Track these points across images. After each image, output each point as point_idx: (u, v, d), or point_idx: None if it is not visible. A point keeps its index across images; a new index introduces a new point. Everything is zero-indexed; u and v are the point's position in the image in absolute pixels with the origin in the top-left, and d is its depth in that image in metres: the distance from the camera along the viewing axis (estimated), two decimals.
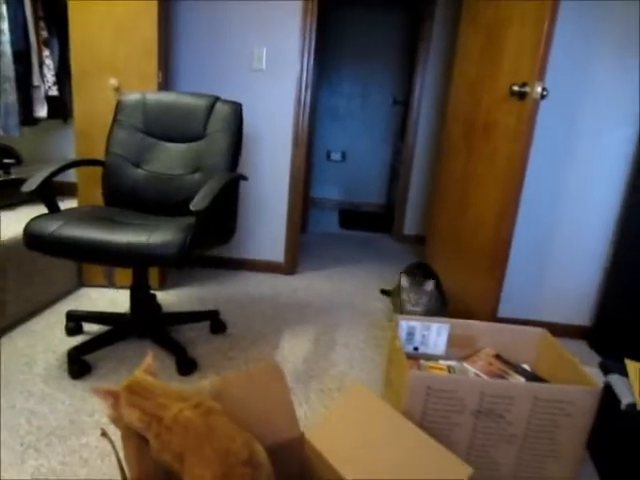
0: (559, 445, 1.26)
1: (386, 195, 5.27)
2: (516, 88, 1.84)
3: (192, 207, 1.56)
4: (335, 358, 1.95)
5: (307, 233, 4.01)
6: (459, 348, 1.61)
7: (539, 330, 1.57)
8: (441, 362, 1.53)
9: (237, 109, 2.03)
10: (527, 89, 1.79)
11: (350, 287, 2.82)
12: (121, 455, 0.99)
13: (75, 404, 1.51)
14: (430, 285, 2.01)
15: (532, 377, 1.45)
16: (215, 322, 2.08)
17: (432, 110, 3.73)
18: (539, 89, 1.74)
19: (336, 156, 5.40)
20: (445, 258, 2.60)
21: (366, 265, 3.27)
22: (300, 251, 3.21)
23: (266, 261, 2.94)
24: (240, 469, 0.88)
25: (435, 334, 1.59)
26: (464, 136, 2.41)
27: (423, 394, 1.24)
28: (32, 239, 1.56)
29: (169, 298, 2.40)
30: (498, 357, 1.53)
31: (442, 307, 2.11)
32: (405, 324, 1.59)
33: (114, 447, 0.92)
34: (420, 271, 2.20)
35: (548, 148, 2.16)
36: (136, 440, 0.99)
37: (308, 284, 2.82)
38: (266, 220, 2.89)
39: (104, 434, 0.91)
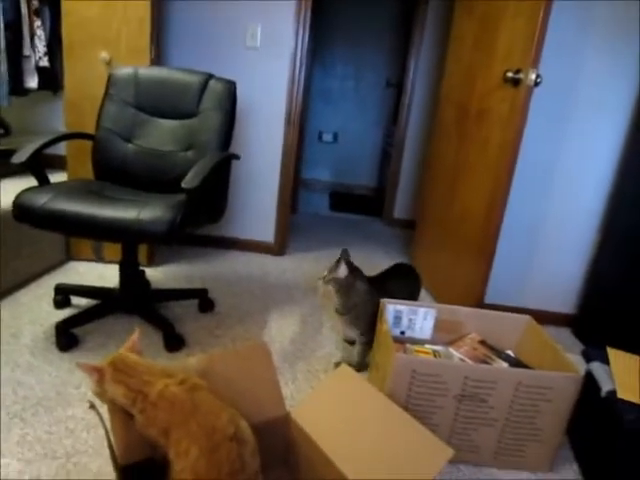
0: (539, 430, 1.30)
1: (377, 178, 5.27)
2: (510, 74, 1.84)
3: (184, 185, 1.55)
4: (322, 340, 1.97)
5: (297, 214, 4.01)
6: (445, 333, 1.63)
7: (524, 317, 1.60)
8: (427, 346, 1.56)
9: (231, 87, 2.00)
10: (521, 76, 1.79)
11: None
12: (108, 427, 1.00)
13: (62, 376, 1.51)
14: (343, 270, 1.61)
15: (516, 363, 1.48)
16: (203, 300, 2.09)
17: (425, 93, 3.71)
18: (533, 76, 1.75)
19: (328, 137, 5.37)
20: (434, 243, 2.62)
21: (355, 248, 3.28)
22: (289, 232, 3.21)
23: (255, 241, 2.94)
24: (226, 445, 0.90)
25: (422, 318, 1.62)
26: (457, 122, 2.41)
27: (408, 377, 1.26)
28: (22, 211, 1.54)
29: (157, 275, 2.39)
30: (483, 343, 1.56)
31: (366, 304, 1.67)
32: (392, 308, 1.61)
33: (102, 419, 0.93)
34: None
35: (539, 136, 2.17)
36: (121, 414, 1.00)
37: (297, 265, 2.83)
38: (256, 199, 2.88)
39: (92, 406, 0.92)
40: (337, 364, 1.77)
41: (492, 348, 1.54)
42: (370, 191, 5.30)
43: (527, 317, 1.60)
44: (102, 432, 1.29)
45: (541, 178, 2.23)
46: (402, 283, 1.87)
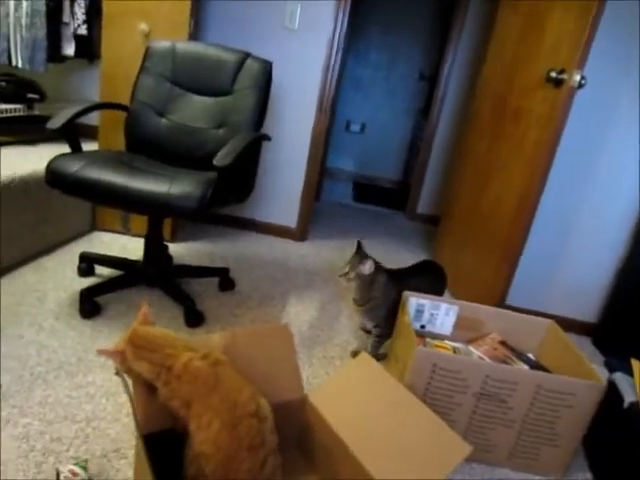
0: (556, 435, 1.28)
1: (402, 171, 5.22)
2: (553, 74, 1.79)
3: (216, 162, 1.55)
4: (339, 327, 1.97)
5: (319, 202, 3.99)
6: (465, 330, 1.62)
7: (547, 321, 1.57)
8: (447, 342, 1.55)
9: (267, 67, 1.99)
10: (565, 76, 1.75)
11: None
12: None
13: (83, 342, 1.53)
14: (368, 266, 1.59)
15: (536, 366, 1.46)
16: (224, 279, 2.10)
17: (459, 89, 3.65)
18: (577, 77, 1.70)
19: (355, 127, 5.32)
20: (457, 240, 2.59)
21: (376, 241, 3.26)
22: (312, 219, 3.20)
23: (278, 225, 2.94)
24: (247, 421, 0.91)
25: (443, 314, 1.60)
26: (492, 118, 2.37)
27: (428, 371, 1.25)
28: (54, 177, 1.56)
29: (179, 251, 2.41)
30: (503, 343, 1.54)
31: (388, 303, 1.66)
32: (415, 301, 1.59)
33: (127, 386, 0.94)
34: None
35: (577, 138, 2.11)
36: (143, 386, 1.01)
37: (317, 252, 2.83)
38: (282, 184, 2.87)
39: (117, 373, 0.92)
40: (354, 353, 1.77)
41: (512, 349, 1.52)
42: (394, 184, 5.26)
43: (550, 321, 1.57)
44: (121, 400, 1.32)
45: (575, 182, 2.18)
46: (427, 280, 1.82)
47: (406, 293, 1.59)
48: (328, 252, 2.85)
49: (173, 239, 2.50)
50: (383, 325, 1.67)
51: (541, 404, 1.25)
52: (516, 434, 1.29)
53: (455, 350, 1.51)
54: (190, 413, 0.94)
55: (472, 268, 2.35)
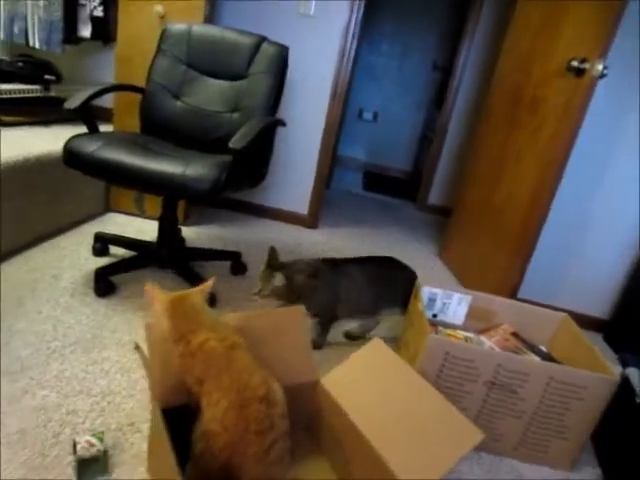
0: (566, 427, 1.28)
1: (413, 162, 5.20)
2: (575, 63, 1.77)
3: (231, 145, 1.55)
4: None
5: (329, 190, 3.99)
6: (477, 321, 1.62)
7: (560, 314, 1.57)
8: (458, 332, 1.55)
9: (283, 52, 1.98)
10: (586, 65, 1.72)
11: (368, 248, 2.82)
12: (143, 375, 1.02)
13: (98, 320, 1.56)
14: (278, 279, 1.49)
15: (548, 358, 1.46)
16: (236, 263, 2.11)
17: (474, 80, 3.61)
18: (600, 67, 1.68)
19: (368, 116, 5.30)
20: (469, 231, 2.58)
21: (386, 230, 3.26)
22: (322, 206, 3.20)
23: (289, 211, 2.94)
24: (255, 404, 0.91)
25: (456, 303, 1.60)
26: (508, 109, 2.34)
27: (440, 359, 1.26)
28: (72, 157, 1.57)
29: (191, 234, 2.42)
30: (515, 335, 1.54)
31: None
32: (427, 290, 1.60)
33: (145, 360, 0.95)
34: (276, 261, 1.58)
35: (595, 131, 2.09)
36: (160, 361, 1.02)
37: (328, 239, 2.83)
38: (294, 170, 2.87)
39: (137, 347, 0.94)
40: (346, 334, 1.80)
41: (524, 341, 1.52)
42: (404, 174, 5.24)
43: (564, 314, 1.57)
44: (134, 376, 1.33)
45: (591, 175, 2.16)
46: (374, 271, 1.71)
47: (419, 282, 1.59)
48: (338, 240, 2.86)
49: (185, 222, 2.51)
50: (322, 314, 1.65)
51: (552, 396, 1.25)
52: (525, 425, 1.30)
53: (467, 340, 1.51)
54: (202, 390, 0.95)
55: (483, 261, 2.34)
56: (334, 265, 1.64)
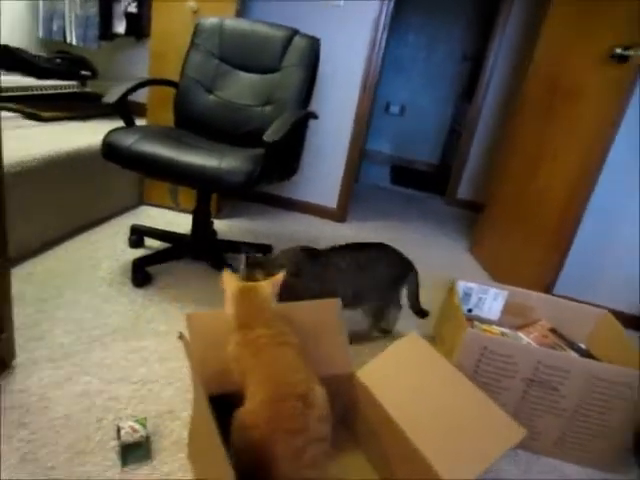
0: (607, 427, 1.25)
1: (440, 155, 5.14)
2: (619, 51, 1.72)
3: (265, 138, 1.55)
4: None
5: (358, 183, 3.97)
6: (513, 316, 1.60)
7: (600, 310, 1.54)
8: (495, 327, 1.53)
9: (315, 45, 1.97)
10: (631, 52, 1.67)
11: (396, 243, 2.73)
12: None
13: (135, 309, 1.59)
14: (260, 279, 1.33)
15: (587, 356, 1.43)
16: None
17: (507, 70, 3.53)
18: None
19: (395, 109, 5.26)
20: (501, 226, 2.54)
21: (414, 224, 3.23)
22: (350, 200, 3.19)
23: (318, 205, 2.95)
24: (291, 401, 0.89)
25: (492, 298, 1.58)
26: (544, 99, 2.28)
27: (477, 354, 1.25)
28: (110, 150, 1.60)
29: (222, 227, 2.45)
30: (554, 331, 1.52)
31: None
32: (462, 284, 1.58)
33: (189, 350, 0.96)
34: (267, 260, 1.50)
35: (635, 122, 2.02)
36: (203, 348, 1.04)
37: (356, 233, 2.82)
38: (323, 163, 2.87)
39: (181, 337, 0.95)
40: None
41: (563, 337, 1.50)
42: (431, 168, 5.18)
43: (604, 311, 1.53)
44: (172, 365, 1.36)
45: (632, 168, 2.09)
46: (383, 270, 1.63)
47: (454, 278, 1.57)
48: (367, 234, 2.85)
49: (217, 216, 2.54)
50: None
51: (594, 394, 1.22)
52: (565, 423, 1.27)
53: (503, 335, 1.49)
54: (245, 382, 0.96)
55: (516, 256, 2.30)
56: (316, 256, 1.54)
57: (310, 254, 1.54)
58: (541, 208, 2.14)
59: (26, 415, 1.11)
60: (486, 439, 0.98)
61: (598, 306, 2.21)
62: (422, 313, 1.76)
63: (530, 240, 2.20)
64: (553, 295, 2.10)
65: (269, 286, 1.06)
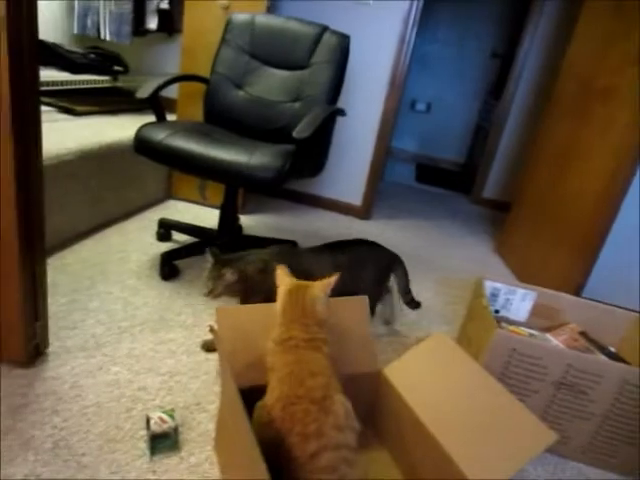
0: (638, 433, 1.22)
1: (467, 154, 5.07)
2: None
3: (295, 135, 1.56)
4: (405, 308, 1.96)
5: (383, 181, 3.96)
6: (541, 318, 1.57)
7: (632, 314, 1.50)
8: (522, 329, 1.51)
9: (345, 42, 1.97)
10: None
11: (422, 242, 2.78)
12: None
13: (163, 302, 1.61)
14: (230, 275, 1.34)
15: (618, 360, 1.40)
16: None
17: (538, 68, 3.46)
18: None
19: (421, 107, 5.21)
20: (529, 226, 2.49)
21: (439, 222, 3.21)
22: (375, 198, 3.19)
23: (343, 202, 2.94)
24: (305, 403, 0.88)
25: (519, 299, 1.56)
26: (577, 98, 2.23)
27: (506, 355, 1.23)
28: (142, 144, 1.62)
29: (248, 222, 2.47)
30: (584, 334, 1.49)
31: None
32: (490, 285, 1.56)
33: (220, 342, 0.97)
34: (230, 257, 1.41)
35: None
36: (232, 341, 1.05)
37: (381, 231, 2.81)
38: (349, 160, 2.86)
39: (212, 330, 0.96)
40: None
41: (593, 341, 1.47)
42: (457, 166, 5.13)
43: (635, 314, 1.50)
44: (199, 358, 1.38)
45: None
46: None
47: (480, 277, 1.56)
48: (392, 231, 2.84)
49: (243, 211, 2.56)
50: None
51: (625, 399, 1.19)
52: (594, 428, 1.25)
53: (532, 337, 1.47)
54: (269, 377, 0.97)
55: (544, 257, 2.26)
56: (291, 255, 1.50)
57: (284, 252, 1.50)
58: (571, 209, 2.10)
59: (59, 403, 1.14)
60: (515, 442, 0.96)
61: (629, 309, 2.17)
62: (414, 304, 1.71)
63: (559, 241, 2.16)
64: (582, 298, 2.06)
65: (320, 288, 1.05)
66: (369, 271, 1.59)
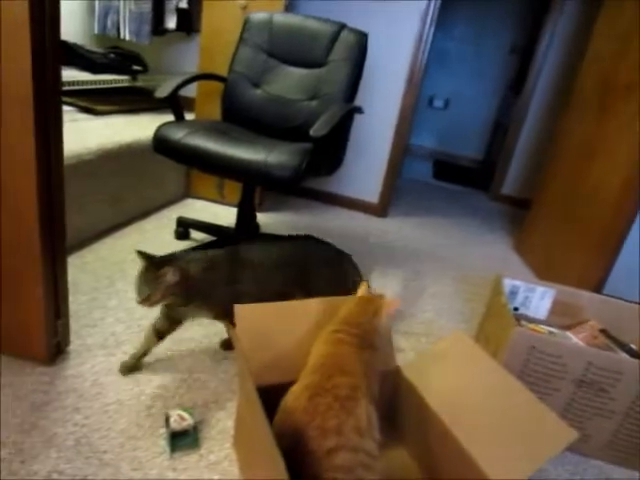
0: None
1: (485, 150, 5.02)
2: None
3: (312, 133, 1.56)
4: (423, 305, 1.95)
5: (400, 179, 3.93)
6: (561, 316, 1.55)
7: None
8: (542, 327, 1.49)
9: (363, 39, 1.96)
10: None
11: (440, 239, 2.76)
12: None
13: None
14: (171, 275, 1.17)
15: (639, 357, 1.37)
16: None
17: (558, 64, 3.41)
18: None
19: (439, 103, 5.17)
20: (550, 223, 2.46)
21: (457, 220, 3.18)
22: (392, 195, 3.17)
23: (359, 200, 2.94)
24: (328, 398, 0.87)
25: (539, 297, 1.54)
26: (599, 93, 2.19)
27: (525, 354, 1.22)
28: (161, 143, 1.64)
29: (265, 220, 2.48)
30: (604, 332, 1.46)
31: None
32: (509, 282, 1.54)
33: (236, 338, 0.98)
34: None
35: None
36: (251, 340, 1.06)
37: (398, 229, 2.80)
38: (366, 158, 2.85)
39: (229, 328, 0.97)
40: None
41: (614, 339, 1.44)
42: (475, 163, 5.08)
43: None
44: (217, 357, 1.39)
45: None
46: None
47: (499, 275, 1.54)
48: (409, 229, 2.82)
49: (260, 209, 2.57)
50: (222, 316, 1.30)
51: None
52: (615, 426, 1.23)
53: (551, 335, 1.45)
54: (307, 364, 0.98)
55: (563, 255, 2.23)
56: (234, 253, 1.35)
57: (228, 251, 1.35)
58: (592, 206, 2.07)
59: (80, 400, 1.16)
60: (535, 440, 0.95)
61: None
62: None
63: (579, 238, 2.13)
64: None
65: (383, 308, 1.07)
66: (321, 268, 1.47)
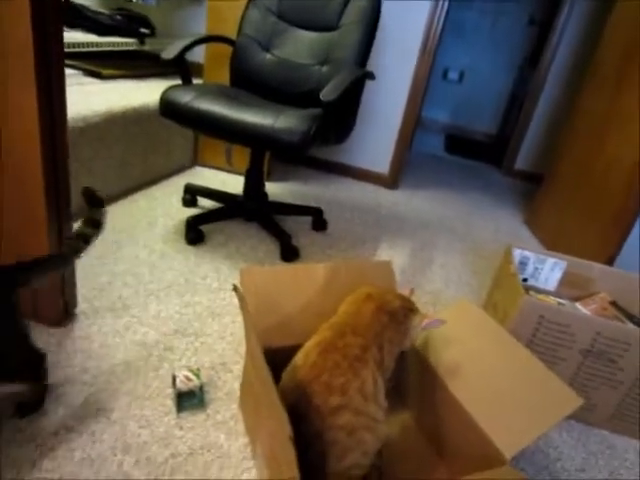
0: None
1: (499, 125, 4.92)
2: None
3: (322, 97, 1.53)
4: (431, 275, 1.94)
5: (411, 151, 3.88)
6: (571, 288, 1.53)
7: None
8: (552, 298, 1.48)
9: (375, 2, 1.90)
10: None
11: (450, 212, 2.73)
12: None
13: (189, 266, 1.63)
14: None
15: None
16: (317, 219, 2.12)
17: (578, 35, 3.30)
18: None
19: (453, 76, 5.05)
20: (562, 197, 2.41)
21: (468, 194, 3.14)
22: (403, 167, 3.13)
23: (370, 171, 2.90)
24: (338, 355, 0.88)
25: (549, 269, 1.52)
26: (619, 66, 2.12)
27: (534, 322, 1.21)
28: (168, 107, 1.62)
29: (274, 189, 2.46)
30: (614, 304, 1.45)
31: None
32: (519, 253, 1.52)
33: (243, 302, 0.98)
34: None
35: None
36: (257, 301, 1.06)
37: (408, 200, 2.77)
38: (377, 129, 2.81)
39: (236, 289, 0.96)
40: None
41: (624, 310, 1.42)
42: (488, 138, 4.98)
43: None
44: (224, 320, 1.39)
45: None
46: None
47: (510, 245, 1.52)
48: (419, 201, 2.79)
49: (269, 178, 2.55)
50: None
51: None
52: (621, 396, 1.22)
53: (561, 306, 1.43)
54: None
55: (575, 229, 2.20)
56: None
57: None
58: (607, 179, 2.02)
59: (88, 360, 1.17)
60: (541, 406, 0.95)
61: None
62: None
63: (592, 212, 2.09)
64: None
65: (420, 319, 1.05)
66: None
